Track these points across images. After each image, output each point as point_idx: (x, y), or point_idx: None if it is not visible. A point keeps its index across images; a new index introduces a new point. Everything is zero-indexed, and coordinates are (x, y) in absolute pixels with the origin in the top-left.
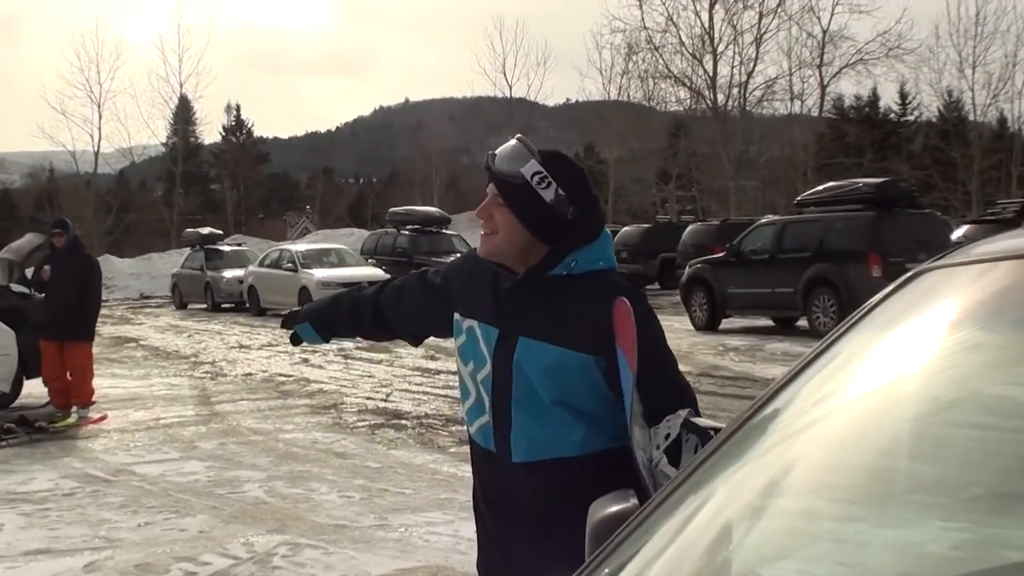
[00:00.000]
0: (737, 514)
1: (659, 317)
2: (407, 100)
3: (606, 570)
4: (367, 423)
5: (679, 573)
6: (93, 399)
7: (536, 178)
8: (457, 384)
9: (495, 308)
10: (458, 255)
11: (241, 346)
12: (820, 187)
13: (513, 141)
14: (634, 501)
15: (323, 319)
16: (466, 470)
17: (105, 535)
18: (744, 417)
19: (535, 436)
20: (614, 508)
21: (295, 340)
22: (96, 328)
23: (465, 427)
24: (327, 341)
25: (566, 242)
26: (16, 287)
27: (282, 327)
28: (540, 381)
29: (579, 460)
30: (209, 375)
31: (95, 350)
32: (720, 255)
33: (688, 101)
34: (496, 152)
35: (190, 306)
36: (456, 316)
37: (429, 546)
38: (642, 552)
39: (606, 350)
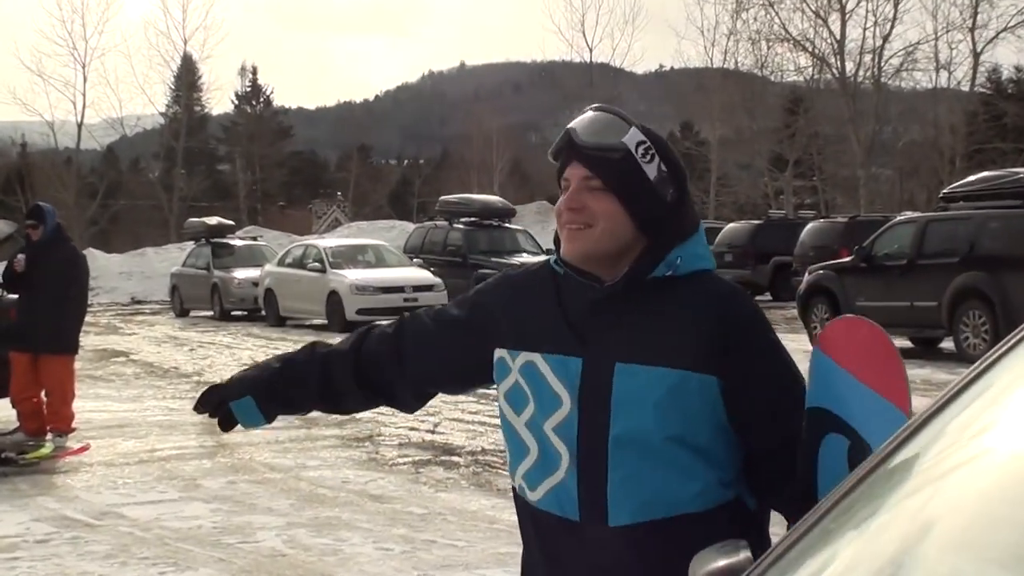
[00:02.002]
0: (867, 574)
1: None
2: (463, 64)
3: None
4: (410, 459)
5: None
6: (73, 425)
7: (641, 149)
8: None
9: (569, 332)
10: (509, 270)
11: (256, 364)
12: (971, 178)
13: (595, 112)
14: (746, 554)
15: (270, 388)
16: None
17: None
18: (877, 460)
19: (644, 489)
20: (722, 563)
21: (226, 424)
22: (79, 339)
23: (518, 494)
24: (271, 421)
25: (667, 234)
26: None
27: (198, 408)
28: (652, 416)
29: (701, 516)
30: None
31: (76, 365)
32: (847, 260)
33: (809, 70)
34: (576, 126)
35: (192, 313)
36: (500, 354)
37: None
38: None
39: (727, 370)
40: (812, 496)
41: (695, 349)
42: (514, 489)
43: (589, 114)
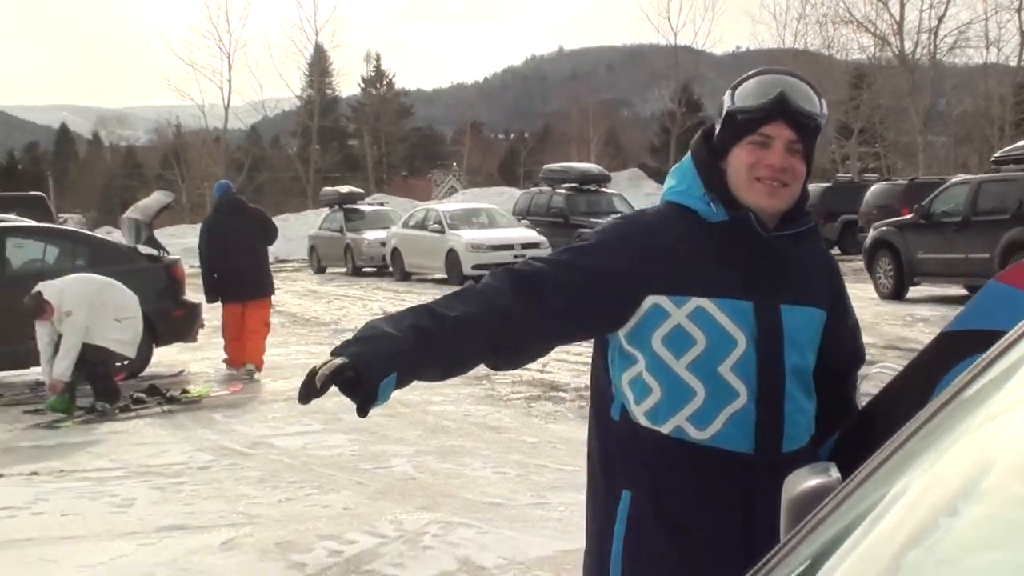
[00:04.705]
0: (946, 496)
1: None
2: (561, 48)
3: (808, 548)
4: (522, 395)
5: (881, 557)
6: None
7: (824, 120)
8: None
9: (736, 277)
10: (612, 218)
11: (385, 313)
12: (1020, 143)
13: (794, 78)
14: (836, 475)
15: (412, 363)
16: None
17: (243, 511)
18: (959, 386)
19: (804, 419)
20: (814, 482)
21: (365, 408)
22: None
23: (668, 436)
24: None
25: (805, 194)
26: (144, 248)
27: (323, 387)
28: (808, 351)
29: (809, 443)
30: None
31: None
32: (908, 217)
33: (872, 49)
34: (786, 89)
35: (329, 270)
36: (654, 300)
37: None
38: (844, 530)
39: (831, 306)
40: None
41: (824, 290)
42: (649, 432)
43: (792, 79)
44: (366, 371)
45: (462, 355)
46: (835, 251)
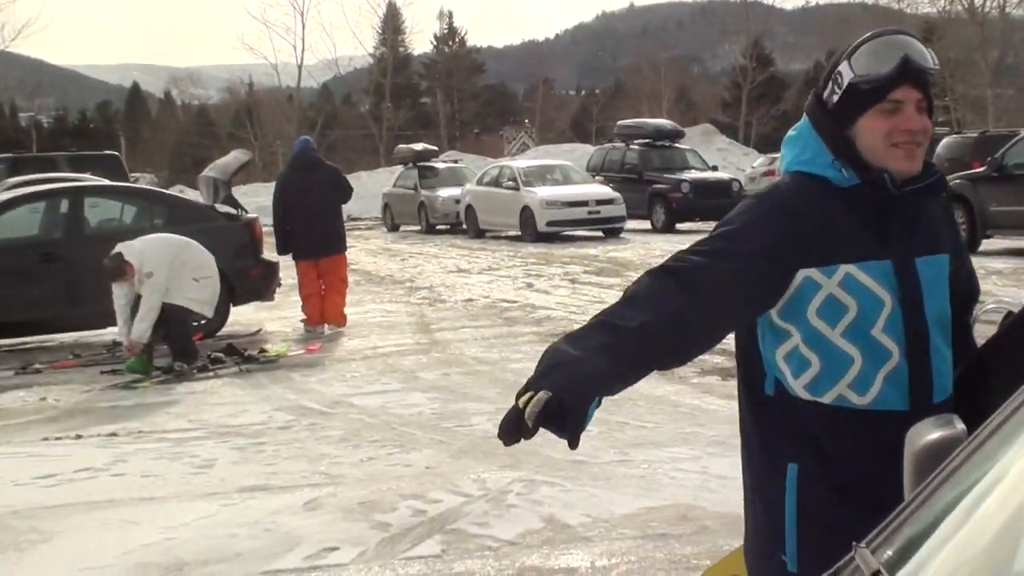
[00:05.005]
0: None
1: None
2: (632, 5)
3: (937, 504)
4: None
5: (1005, 514)
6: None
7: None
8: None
9: (872, 237)
10: (746, 200)
11: (460, 270)
12: None
13: (907, 37)
14: (961, 427)
15: (608, 387)
16: (711, 402)
17: (325, 471)
18: None
19: (948, 366)
20: (939, 434)
21: (577, 437)
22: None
23: (829, 406)
24: None
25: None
26: (222, 207)
27: (535, 426)
28: (944, 298)
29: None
30: (427, 301)
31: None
32: (980, 170)
33: (941, 2)
34: (910, 52)
35: (402, 228)
36: (806, 274)
37: (676, 484)
38: (974, 484)
39: (951, 251)
40: None
41: (946, 232)
42: (810, 405)
43: (908, 39)
44: (575, 401)
45: (644, 365)
46: None
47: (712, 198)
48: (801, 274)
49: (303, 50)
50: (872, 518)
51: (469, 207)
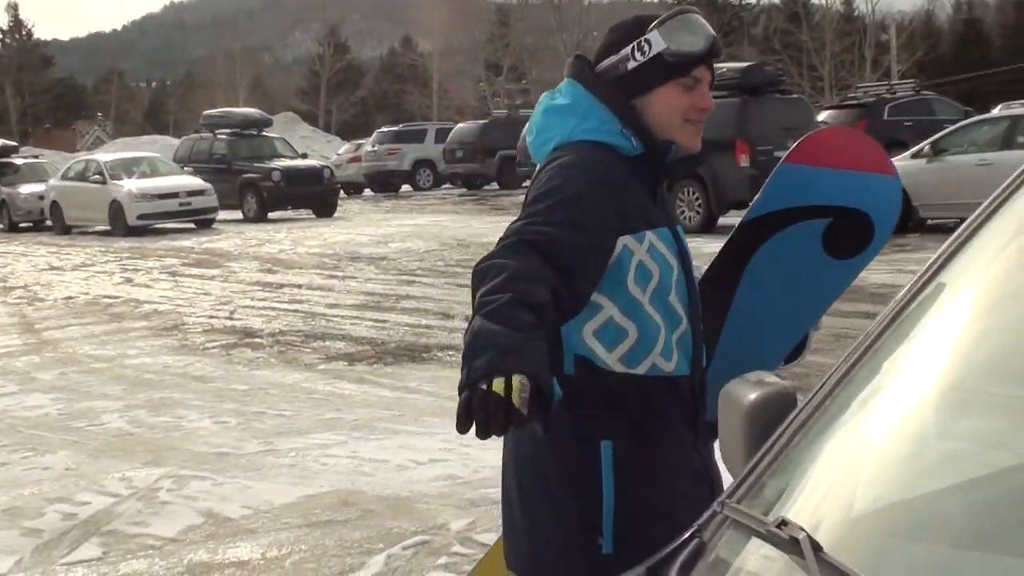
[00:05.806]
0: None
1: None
2: None
3: (792, 452)
4: (219, 343)
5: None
6: None
7: None
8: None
9: (655, 206)
10: (558, 164)
11: (52, 267)
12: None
13: (700, 18)
14: (782, 381)
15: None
16: (344, 387)
17: None
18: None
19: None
20: (764, 391)
21: (547, 418)
22: None
23: (643, 376)
24: None
25: None
26: None
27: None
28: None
29: None
30: (25, 300)
31: None
32: None
33: None
34: (715, 35)
35: None
36: (624, 241)
37: (329, 470)
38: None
39: None
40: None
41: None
42: (624, 377)
43: (702, 20)
44: (546, 381)
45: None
46: (493, 186)
47: (304, 185)
48: (620, 242)
49: None
50: (678, 485)
51: (54, 203)
